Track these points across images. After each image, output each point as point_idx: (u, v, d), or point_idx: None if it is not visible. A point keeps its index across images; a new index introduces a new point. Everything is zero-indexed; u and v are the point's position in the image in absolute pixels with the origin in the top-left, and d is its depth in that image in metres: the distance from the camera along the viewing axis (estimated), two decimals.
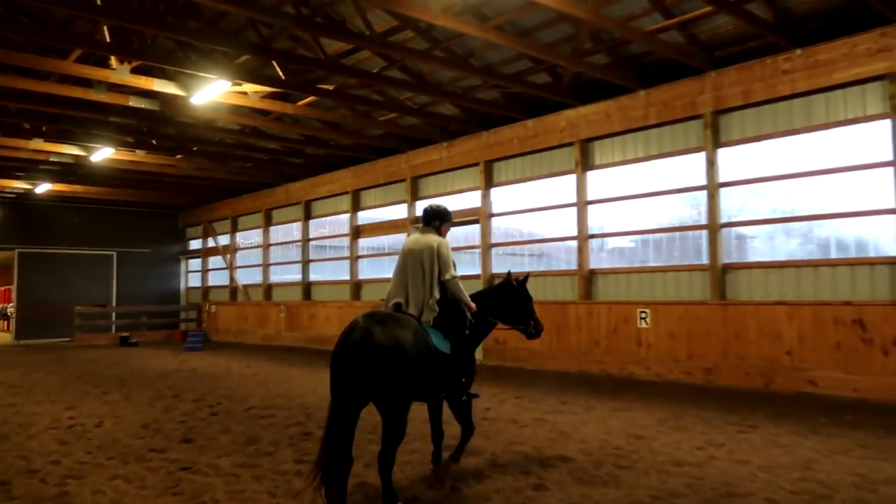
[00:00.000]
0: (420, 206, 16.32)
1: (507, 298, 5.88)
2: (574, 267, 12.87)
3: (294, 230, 20.85)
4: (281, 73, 11.86)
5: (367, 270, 18.23)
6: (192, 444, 6.85)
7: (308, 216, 20.17)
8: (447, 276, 5.21)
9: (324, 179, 19.36)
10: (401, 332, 4.64)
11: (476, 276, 14.68)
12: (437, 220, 5.62)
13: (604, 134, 12.33)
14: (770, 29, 9.55)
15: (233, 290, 23.42)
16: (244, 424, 7.79)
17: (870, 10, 8.87)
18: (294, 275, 20.68)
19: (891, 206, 8.96)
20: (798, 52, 9.72)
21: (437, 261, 5.22)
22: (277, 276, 21.75)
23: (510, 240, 14.46)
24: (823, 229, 9.97)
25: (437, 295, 5.18)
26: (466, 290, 5.46)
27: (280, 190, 21.19)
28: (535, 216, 13.89)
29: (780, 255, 10.32)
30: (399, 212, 16.94)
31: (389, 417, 4.56)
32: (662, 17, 10.20)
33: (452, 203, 15.40)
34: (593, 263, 12.67)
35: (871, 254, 9.35)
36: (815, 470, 5.56)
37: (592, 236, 12.72)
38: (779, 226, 10.44)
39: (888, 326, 8.69)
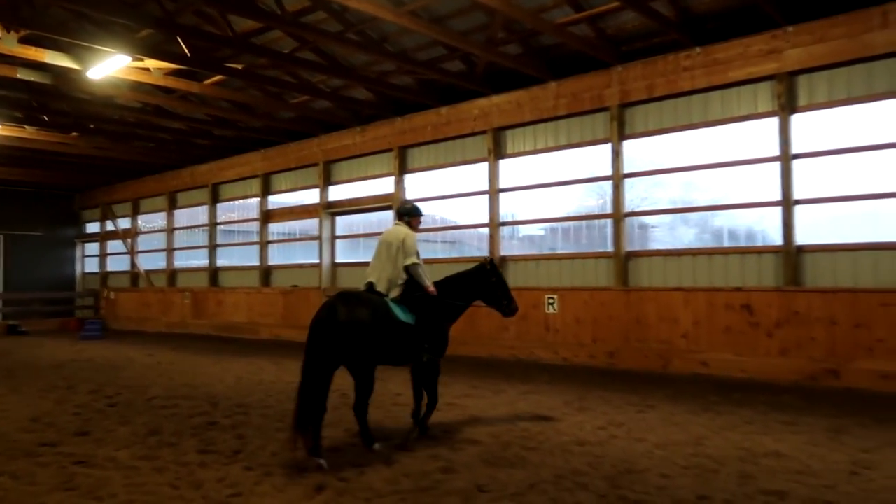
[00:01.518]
0: (333, 191, 16.16)
1: (476, 281, 6.67)
2: (486, 254, 13.06)
3: (200, 214, 20.09)
4: (186, 50, 11.35)
5: (277, 256, 17.84)
6: (87, 437, 6.52)
7: (215, 199, 19.48)
8: (408, 262, 6.16)
9: (232, 162, 18.74)
10: (361, 309, 5.68)
11: None
12: (407, 215, 6.57)
13: (516, 123, 12.55)
14: (672, 26, 9.97)
15: (134, 275, 22.36)
16: (145, 415, 7.49)
17: (762, 13, 9.41)
18: (200, 260, 19.96)
19: (777, 198, 9.59)
20: (698, 50, 10.22)
21: (402, 249, 6.19)
22: (182, 261, 20.93)
23: (423, 226, 14.46)
24: (718, 220, 10.57)
25: (403, 276, 6.17)
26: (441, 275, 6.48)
27: (185, 172, 20.34)
28: (448, 203, 13.99)
29: (679, 244, 10.87)
30: (311, 196, 16.66)
31: (356, 377, 5.75)
32: (572, 10, 10.46)
33: (366, 189, 15.37)
34: (504, 250, 12.91)
35: (760, 243, 10.00)
36: (706, 445, 5.92)
37: (503, 224, 12.96)
38: (678, 216, 11.00)
39: (772, 311, 9.34)
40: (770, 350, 9.30)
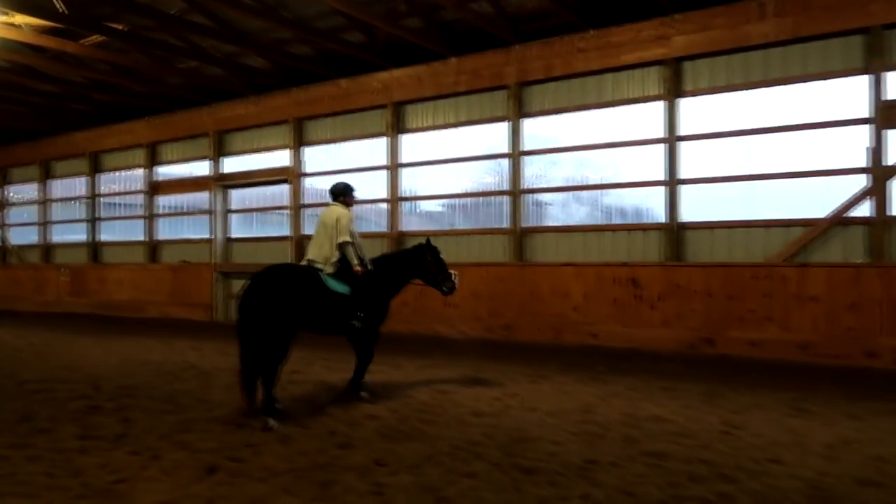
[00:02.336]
0: (226, 163, 15.52)
1: (413, 260, 7.08)
2: (386, 229, 13.00)
3: (79, 185, 18.75)
4: (61, 6, 10.45)
5: (166, 230, 16.97)
6: None
7: (96, 170, 18.22)
8: (339, 240, 6.59)
9: (114, 130, 17.54)
10: (283, 280, 6.12)
11: (286, 238, 14.32)
12: (341, 195, 6.94)
13: (416, 98, 12.49)
14: (569, 8, 10.19)
15: (2, 250, 20.61)
16: (16, 401, 6.94)
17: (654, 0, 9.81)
18: (79, 235, 18.65)
19: (662, 178, 10.09)
20: (592, 32, 10.51)
21: (336, 228, 6.60)
22: (59, 235, 19.50)
23: (322, 201, 14.21)
24: (609, 198, 11.01)
25: (338, 254, 6.60)
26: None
27: (61, 139, 18.86)
28: (347, 177, 13.71)
29: (572, 221, 11.25)
30: (202, 168, 15.92)
31: (267, 342, 5.94)
32: None
33: (261, 161, 14.87)
34: (404, 226, 12.90)
35: (646, 220, 10.52)
36: (594, 412, 6.20)
37: (403, 199, 12.92)
38: (571, 193, 11.36)
39: (656, 284, 9.88)
40: (653, 321, 9.85)
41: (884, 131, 8.56)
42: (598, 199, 11.14)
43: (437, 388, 7.32)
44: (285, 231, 14.39)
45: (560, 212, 11.52)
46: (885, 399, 6.64)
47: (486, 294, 11.48)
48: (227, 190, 15.57)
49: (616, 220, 10.82)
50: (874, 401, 6.56)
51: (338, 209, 6.79)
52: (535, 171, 11.58)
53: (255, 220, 15.54)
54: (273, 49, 12.40)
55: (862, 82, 8.74)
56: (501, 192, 11.80)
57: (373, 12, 10.69)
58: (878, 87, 8.57)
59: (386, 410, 6.37)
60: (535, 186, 11.54)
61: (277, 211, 14.86)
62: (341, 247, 6.58)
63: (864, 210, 8.72)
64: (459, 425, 5.81)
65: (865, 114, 8.69)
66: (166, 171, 16.94)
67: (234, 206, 15.68)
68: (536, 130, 11.44)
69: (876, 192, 8.60)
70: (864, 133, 8.72)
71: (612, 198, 10.97)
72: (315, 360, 9.36)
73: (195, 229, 16.22)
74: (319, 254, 6.64)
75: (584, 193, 11.23)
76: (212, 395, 7.07)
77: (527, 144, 11.45)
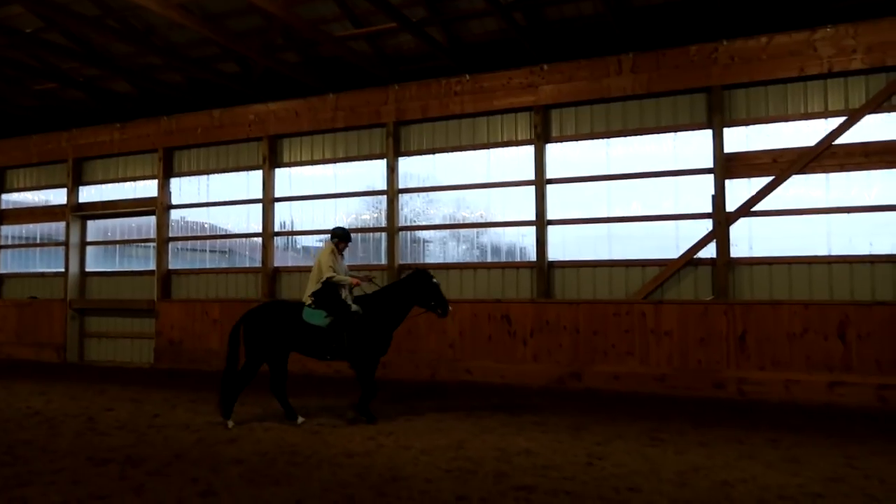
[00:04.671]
0: (84, 192, 14.54)
1: (408, 289, 7.60)
2: (259, 264, 12.63)
3: None
4: None
5: (12, 263, 15.52)
6: None
7: None
8: (323, 277, 7.41)
9: None
10: (261, 314, 7.46)
11: (151, 272, 13.53)
12: (333, 238, 7.76)
13: (293, 132, 12.33)
14: (444, 52, 10.54)
15: None
16: None
17: (522, 49, 10.36)
18: None
19: (532, 218, 10.55)
20: (467, 77, 10.91)
21: (316, 266, 7.55)
22: None
23: (190, 233, 13.60)
24: (484, 236, 11.33)
25: (312, 287, 7.46)
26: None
27: None
28: (219, 210, 13.29)
29: (450, 258, 11.45)
30: (58, 197, 14.77)
31: (247, 362, 7.42)
32: (352, 26, 10.60)
33: (126, 192, 14.07)
34: (279, 262, 12.58)
35: (518, 258, 10.92)
36: (467, 448, 6.26)
37: (278, 234, 12.64)
38: (449, 231, 11.58)
39: (527, 320, 10.23)
40: (525, 356, 10.16)
41: (724, 180, 9.44)
42: (475, 238, 11.44)
43: (308, 429, 7.13)
44: (150, 265, 13.61)
45: (438, 249, 11.71)
46: (731, 427, 7.19)
47: None
48: (84, 220, 14.53)
49: (491, 258, 11.14)
50: (721, 429, 7.09)
51: (322, 249, 7.68)
52: (413, 209, 11.73)
53: (118, 252, 14.57)
54: (141, 75, 11.87)
55: (706, 136, 9.63)
56: (379, 229, 11.83)
57: (249, 44, 10.53)
58: (718, 140, 9.47)
59: (252, 454, 6.11)
60: (412, 224, 11.67)
61: (142, 244, 14.03)
62: (329, 281, 7.36)
63: (710, 252, 9.53)
64: (331, 466, 5.68)
65: (709, 164, 9.56)
66: (15, 199, 15.56)
67: (93, 238, 14.65)
68: (414, 169, 11.64)
69: (719, 235, 9.44)
70: (708, 182, 9.58)
71: (488, 236, 11.31)
72: (180, 402, 8.86)
73: (47, 262, 14.96)
74: (309, 289, 7.53)
75: (462, 231, 11.50)
76: (57, 444, 6.49)
77: (404, 182, 11.60)
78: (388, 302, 7.54)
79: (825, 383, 8.56)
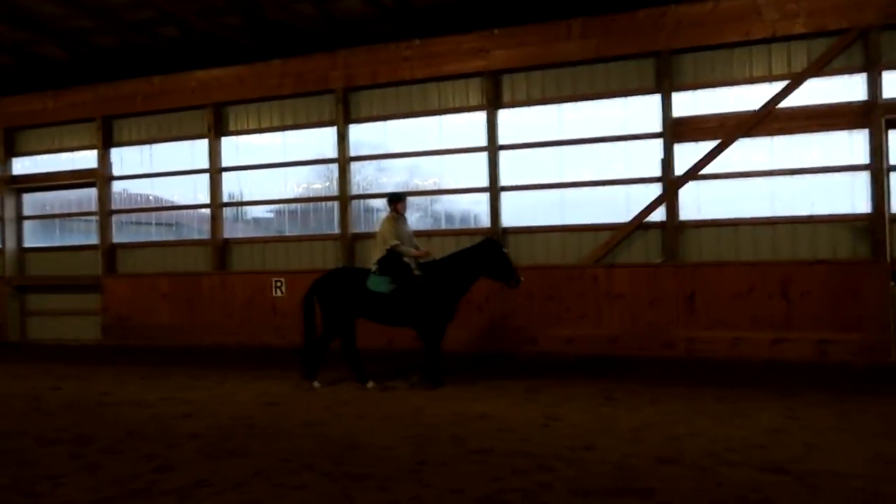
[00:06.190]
0: (16, 164, 13.89)
1: (475, 258, 7.58)
2: (207, 236, 12.33)
3: None
4: None
5: None
6: None
7: None
8: (388, 245, 7.52)
9: None
10: (330, 278, 7.82)
11: (94, 247, 13.07)
12: (389, 202, 7.89)
13: (238, 99, 11.97)
14: (392, 17, 10.32)
15: None
16: None
17: (473, 13, 10.21)
18: None
19: (485, 185, 10.54)
20: (417, 42, 10.72)
21: (379, 234, 7.68)
22: None
23: (134, 206, 13.15)
24: (438, 204, 11.27)
25: (377, 255, 7.62)
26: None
27: None
28: (164, 181, 12.86)
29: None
30: None
31: (327, 327, 7.77)
32: None
33: (63, 163, 13.52)
34: (228, 233, 12.30)
35: (472, 225, 10.93)
36: (424, 415, 6.30)
37: (226, 205, 12.33)
38: None
39: (482, 287, 10.12)
40: (481, 322, 10.23)
41: (673, 144, 9.59)
42: (428, 206, 11.37)
43: (265, 401, 7.07)
44: (93, 239, 13.15)
45: None
46: (680, 385, 7.42)
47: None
48: (19, 193, 13.89)
49: (445, 226, 11.11)
50: (671, 387, 7.31)
51: (384, 218, 7.80)
52: (365, 177, 11.57)
53: (58, 226, 14.00)
54: (73, 39, 11.27)
55: (655, 100, 9.73)
56: (330, 198, 11.65)
57: (187, 6, 10.08)
58: (666, 104, 9.58)
59: (209, 428, 6.02)
60: (364, 192, 11.53)
61: (84, 217, 13.52)
62: (393, 250, 7.48)
63: (660, 215, 9.71)
64: (289, 437, 5.64)
65: (658, 129, 9.68)
66: None
67: (30, 212, 14.03)
68: (365, 136, 11.45)
69: (668, 199, 9.61)
70: (657, 146, 9.71)
71: (442, 204, 11.26)
72: (131, 378, 8.67)
73: None
74: (373, 258, 7.71)
75: (415, 199, 11.35)
76: (2, 426, 6.28)
77: (355, 150, 11.42)
78: (454, 270, 7.56)
79: (769, 340, 8.89)
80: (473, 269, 7.61)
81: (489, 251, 7.61)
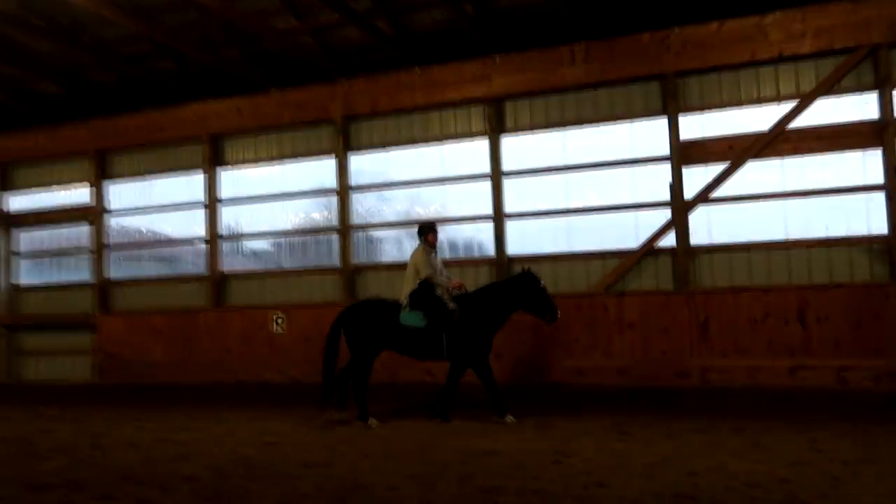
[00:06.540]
0: (11, 199, 13.73)
1: (511, 291, 7.31)
2: (204, 271, 12.07)
3: None
4: None
5: None
6: None
7: None
8: (422, 277, 7.29)
9: None
10: (359, 310, 7.52)
11: (88, 284, 12.80)
12: (420, 234, 7.65)
13: (236, 130, 11.84)
14: (392, 45, 10.23)
15: None
16: None
17: (474, 39, 10.12)
18: None
19: (489, 212, 10.32)
20: (417, 69, 10.61)
21: (415, 268, 7.36)
22: None
23: (128, 240, 12.90)
24: (441, 233, 10.94)
25: (409, 288, 7.33)
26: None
27: None
28: (161, 216, 12.65)
29: (407, 257, 11.03)
30: None
31: (352, 358, 7.43)
32: (294, 19, 10.19)
33: (57, 199, 13.33)
34: (226, 266, 12.05)
35: (476, 254, 10.68)
36: (430, 452, 5.96)
37: (224, 238, 12.09)
38: (404, 229, 11.22)
39: None
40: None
41: (681, 168, 9.39)
42: None
43: (263, 440, 6.73)
44: (84, 276, 12.89)
45: (394, 248, 11.35)
46: (696, 416, 7.09)
47: (317, 336, 10.83)
48: (11, 230, 13.66)
49: (449, 255, 10.84)
50: (687, 419, 6.98)
51: (415, 249, 7.55)
52: (366, 207, 11.36)
53: (52, 264, 13.72)
54: (69, 75, 11.18)
55: (661, 124, 9.56)
56: (330, 230, 11.42)
57: (185, 39, 10.00)
58: (674, 127, 9.41)
59: (205, 469, 5.68)
60: (365, 222, 11.31)
61: (77, 255, 13.26)
62: (428, 280, 7.26)
63: (670, 240, 9.46)
64: (288, 478, 5.32)
65: (665, 152, 9.49)
66: None
67: (24, 249, 13.78)
68: (365, 166, 11.28)
69: (677, 224, 9.38)
70: (665, 170, 9.50)
71: (445, 233, 10.98)
72: (126, 419, 8.33)
73: None
74: (405, 291, 7.40)
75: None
76: None
77: (356, 180, 11.23)
78: (489, 303, 7.29)
79: (787, 368, 8.57)
80: (510, 303, 7.28)
81: (526, 284, 7.27)
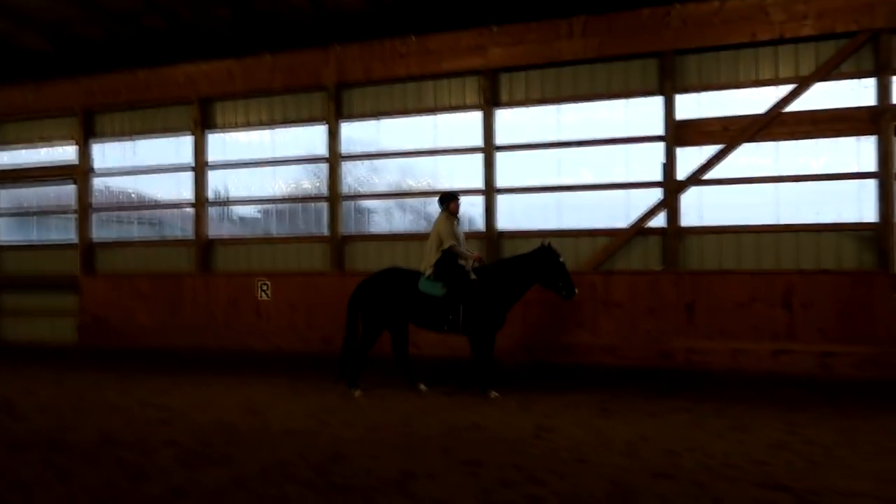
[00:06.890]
0: None
1: (529, 265, 7.23)
2: (191, 235, 11.93)
3: None
4: None
5: None
6: None
7: None
8: (445, 246, 7.21)
9: None
10: (377, 280, 7.43)
11: (71, 244, 12.63)
12: (441, 202, 7.55)
13: (226, 94, 11.61)
14: (387, 11, 10.01)
15: None
16: None
17: (471, 9, 9.92)
18: None
19: (481, 186, 10.23)
20: (413, 38, 10.42)
21: (438, 236, 7.27)
22: None
23: (115, 202, 12.71)
24: (432, 206, 10.92)
25: (434, 257, 7.24)
26: None
27: None
28: (147, 178, 12.45)
29: (396, 228, 11.03)
30: None
31: (364, 330, 7.40)
32: None
33: (41, 156, 13.10)
34: (213, 232, 11.91)
35: (466, 228, 10.54)
36: (413, 425, 5.98)
37: (212, 203, 11.94)
38: (394, 201, 11.11)
39: None
40: None
41: (675, 148, 9.32)
42: (422, 208, 11.03)
43: (246, 408, 6.73)
44: (70, 235, 12.71)
45: (383, 219, 11.26)
46: (678, 397, 7.13)
47: (302, 305, 10.88)
48: None
49: None
50: (669, 399, 7.02)
51: (438, 217, 7.45)
52: (357, 177, 11.22)
53: (35, 223, 13.51)
54: (57, 30, 10.88)
55: (657, 102, 9.47)
56: (320, 198, 11.29)
57: None
58: (669, 107, 9.32)
59: (187, 434, 5.68)
60: (355, 192, 11.19)
61: (61, 214, 13.06)
62: (450, 250, 7.17)
63: (660, 221, 9.42)
64: (270, 446, 5.32)
65: (660, 131, 9.41)
66: None
67: (5, 207, 13.56)
68: (357, 134, 11.12)
69: (668, 204, 9.34)
70: (659, 149, 9.44)
71: (435, 206, 10.88)
72: (108, 382, 8.30)
73: None
74: (426, 260, 7.34)
75: (408, 200, 11.06)
76: None
77: (347, 148, 11.08)
78: (507, 276, 7.22)
79: (770, 351, 8.61)
80: (528, 277, 7.24)
81: (546, 259, 7.20)
